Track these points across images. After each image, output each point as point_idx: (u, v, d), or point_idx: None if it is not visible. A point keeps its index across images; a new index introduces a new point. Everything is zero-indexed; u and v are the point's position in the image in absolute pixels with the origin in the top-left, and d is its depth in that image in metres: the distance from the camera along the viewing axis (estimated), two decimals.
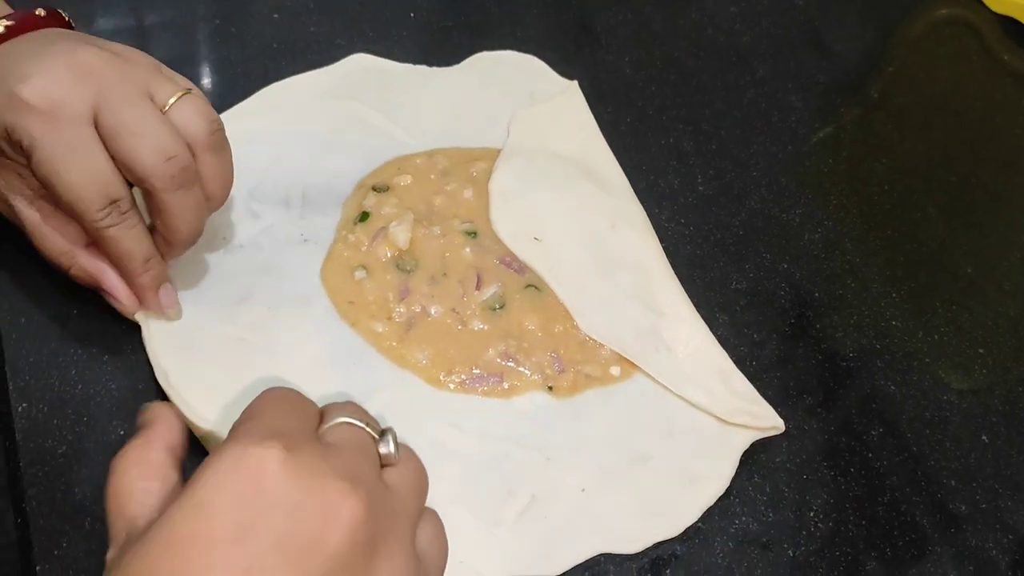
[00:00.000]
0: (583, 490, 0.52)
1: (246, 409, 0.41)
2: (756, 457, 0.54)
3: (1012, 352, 0.61)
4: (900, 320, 0.61)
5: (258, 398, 0.42)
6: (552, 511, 0.51)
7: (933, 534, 0.53)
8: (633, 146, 0.67)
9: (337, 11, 0.71)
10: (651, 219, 0.62)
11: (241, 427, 0.39)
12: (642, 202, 0.63)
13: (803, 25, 0.78)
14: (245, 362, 0.53)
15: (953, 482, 0.55)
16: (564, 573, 0.49)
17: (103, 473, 0.48)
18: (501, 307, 0.57)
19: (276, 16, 0.71)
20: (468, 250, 0.58)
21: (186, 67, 0.66)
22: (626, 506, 0.51)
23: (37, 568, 0.45)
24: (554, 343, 0.56)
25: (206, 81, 0.67)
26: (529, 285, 0.58)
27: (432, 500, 0.45)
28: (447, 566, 0.48)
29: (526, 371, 0.55)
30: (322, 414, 0.42)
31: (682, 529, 0.51)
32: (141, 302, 0.52)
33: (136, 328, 0.53)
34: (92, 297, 0.53)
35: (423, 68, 0.69)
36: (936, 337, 0.61)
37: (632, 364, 0.56)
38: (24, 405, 0.50)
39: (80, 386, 0.51)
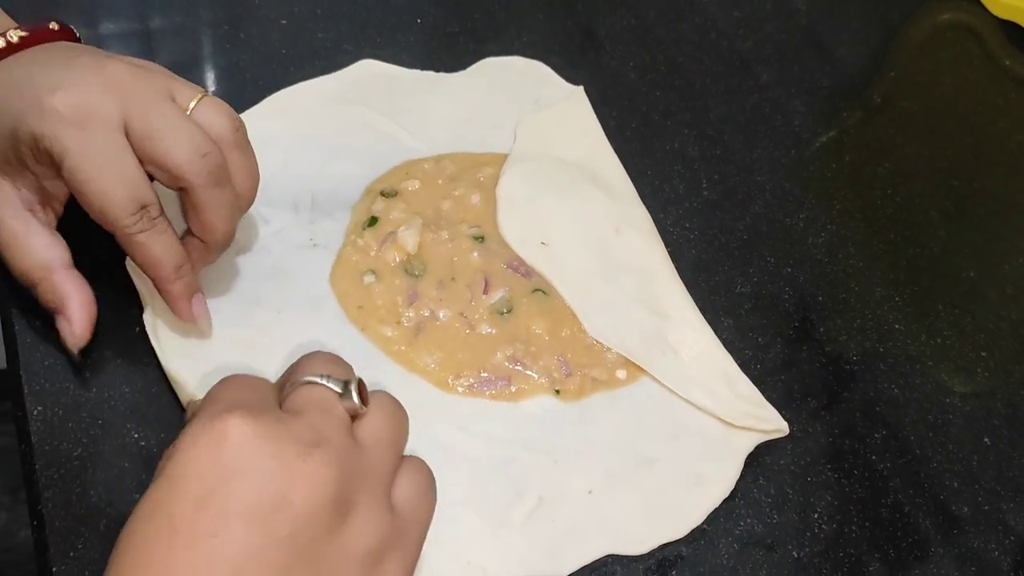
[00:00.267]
0: (590, 492, 0.52)
1: (206, 394, 0.42)
2: (760, 459, 0.55)
3: (1014, 355, 0.62)
4: (903, 324, 0.62)
5: (216, 384, 0.43)
6: (559, 513, 0.51)
7: (935, 536, 0.53)
8: (638, 151, 0.67)
9: (344, 17, 0.72)
10: (656, 223, 0.63)
11: (203, 406, 0.41)
12: (647, 207, 0.64)
13: (806, 30, 0.78)
14: (254, 366, 0.53)
15: (955, 484, 0.55)
16: (571, 574, 0.50)
17: (118, 476, 0.49)
18: (509, 311, 0.57)
19: (284, 22, 0.71)
20: (476, 254, 0.59)
21: (194, 72, 0.67)
22: (632, 508, 0.52)
23: (54, 569, 0.46)
24: (561, 347, 0.57)
25: (214, 87, 0.67)
26: (536, 289, 0.58)
27: (440, 503, 0.46)
28: (452, 567, 0.49)
29: (533, 375, 0.55)
30: (290, 371, 0.44)
31: (688, 531, 0.52)
32: (175, 311, 0.52)
33: (146, 333, 0.54)
34: (107, 300, 0.53)
35: (430, 74, 0.69)
36: (939, 341, 0.61)
37: (638, 367, 0.57)
38: (39, 408, 0.51)
39: (95, 390, 0.52)
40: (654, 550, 0.51)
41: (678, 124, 0.70)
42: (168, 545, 0.36)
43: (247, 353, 0.54)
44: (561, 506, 0.52)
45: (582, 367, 0.56)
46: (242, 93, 0.66)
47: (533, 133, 0.66)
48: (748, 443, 0.55)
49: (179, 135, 0.49)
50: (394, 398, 0.45)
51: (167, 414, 0.52)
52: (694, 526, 0.52)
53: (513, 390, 0.55)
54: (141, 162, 0.49)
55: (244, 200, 0.53)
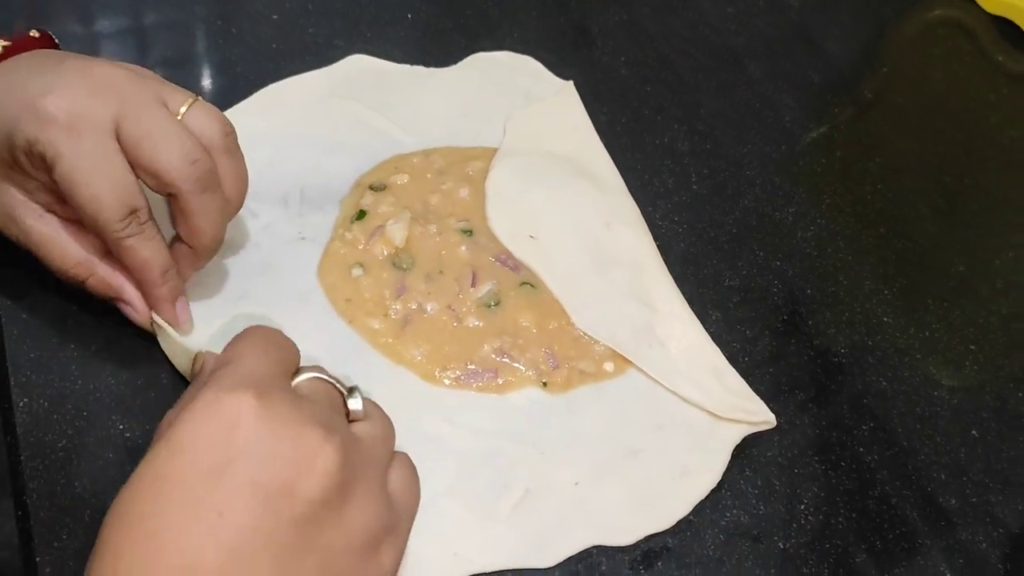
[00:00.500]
0: (576, 484, 0.52)
1: (227, 348, 0.43)
2: (748, 451, 0.55)
3: (1003, 349, 0.62)
4: (892, 317, 0.62)
5: (240, 338, 0.44)
6: (545, 505, 0.51)
7: (923, 528, 0.53)
8: (628, 145, 0.67)
9: (335, 13, 0.72)
10: (645, 217, 0.63)
11: (217, 371, 0.41)
12: (637, 201, 0.64)
13: (797, 25, 0.78)
14: None
15: (943, 477, 0.55)
16: (557, 565, 0.50)
17: (102, 467, 0.49)
18: (496, 304, 0.57)
19: (275, 17, 0.71)
20: (464, 248, 0.59)
21: (185, 68, 0.67)
22: (619, 500, 0.52)
23: (37, 560, 0.46)
24: (548, 339, 0.57)
25: (206, 82, 0.67)
26: (524, 282, 0.58)
27: (427, 494, 0.46)
28: (440, 558, 0.49)
29: (521, 367, 0.55)
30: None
31: (674, 522, 0.52)
32: (158, 312, 0.52)
33: (136, 324, 0.54)
34: (92, 294, 0.53)
35: (420, 69, 0.69)
36: (927, 334, 0.61)
37: (625, 360, 0.57)
38: (25, 400, 0.51)
39: (80, 382, 0.52)
40: (640, 541, 0.51)
41: (668, 119, 0.70)
42: (171, 518, 0.37)
43: None
44: (548, 497, 0.52)
45: (569, 360, 0.56)
46: (233, 88, 0.66)
47: (523, 128, 0.66)
48: (735, 435, 0.55)
49: (170, 141, 0.49)
50: (379, 406, 0.47)
51: (152, 406, 0.52)
52: (680, 517, 0.52)
53: (500, 382, 0.55)
54: (131, 167, 0.49)
55: (233, 205, 0.53)
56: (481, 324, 0.56)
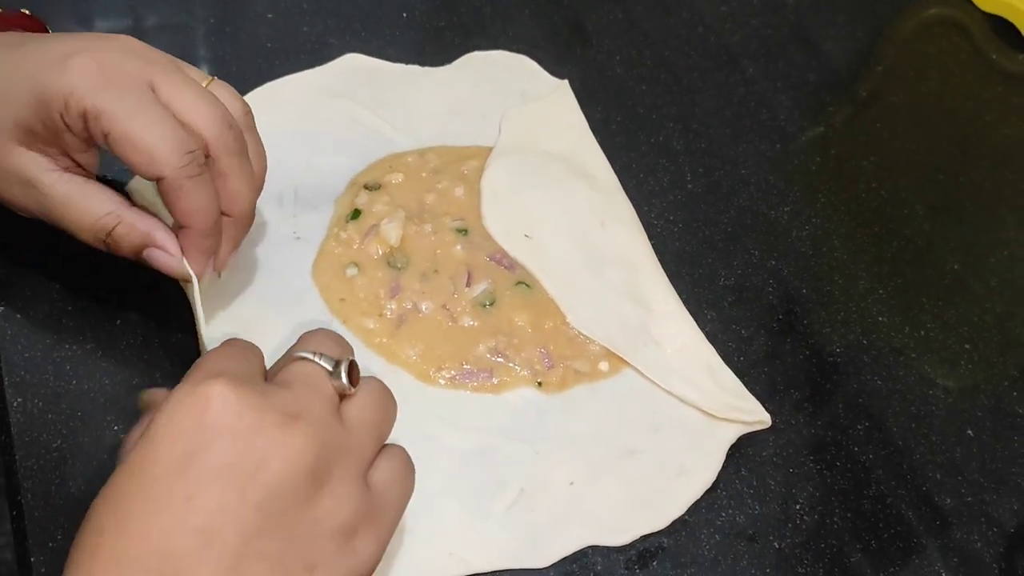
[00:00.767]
0: (571, 483, 0.52)
1: (196, 361, 0.43)
2: (743, 451, 0.55)
3: (997, 348, 0.62)
4: (887, 316, 0.62)
5: (207, 351, 0.44)
6: (540, 504, 0.51)
7: (918, 527, 0.53)
8: (623, 144, 0.67)
9: (330, 11, 0.72)
10: (640, 216, 0.63)
11: (190, 373, 0.41)
12: (632, 200, 0.64)
13: (793, 25, 0.78)
14: None
15: (938, 476, 0.55)
16: (552, 565, 0.50)
17: (97, 467, 0.49)
18: (491, 304, 0.57)
19: (270, 16, 0.71)
20: (459, 247, 0.59)
21: None
22: (614, 499, 0.52)
23: (32, 560, 0.46)
24: (544, 339, 0.57)
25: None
26: (519, 282, 0.58)
27: (422, 493, 0.46)
28: (435, 558, 0.49)
29: (516, 367, 0.55)
30: (291, 347, 0.44)
31: (669, 522, 0.52)
32: (193, 265, 0.51)
33: (131, 324, 0.54)
34: (88, 293, 0.53)
35: (415, 68, 0.69)
36: (922, 333, 0.61)
37: (620, 360, 0.57)
38: (19, 400, 0.51)
39: (75, 381, 0.52)
40: (635, 541, 0.51)
41: (663, 118, 0.70)
42: (142, 507, 0.38)
43: None
44: (543, 497, 0.52)
45: (565, 359, 0.56)
46: None
47: (518, 126, 0.66)
48: (730, 435, 0.55)
49: (205, 101, 0.49)
50: (385, 386, 0.45)
51: None
52: (675, 517, 0.52)
53: (495, 382, 0.55)
54: None
55: (258, 180, 0.53)
56: (476, 323, 0.56)
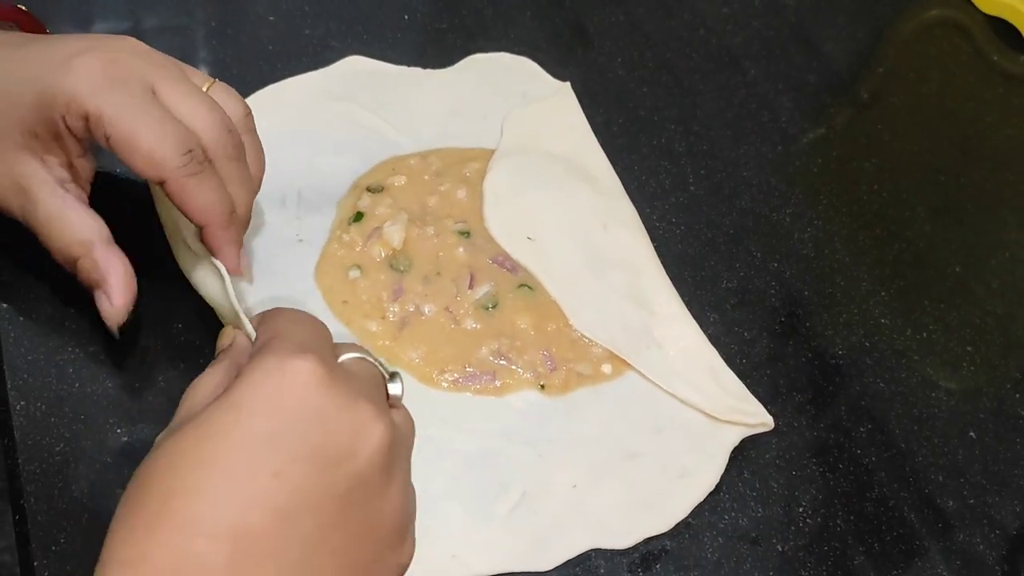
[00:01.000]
0: (574, 486, 0.52)
1: (267, 325, 0.42)
2: (746, 453, 0.55)
3: (1000, 350, 0.62)
4: (889, 318, 0.62)
5: (274, 316, 0.43)
6: (543, 507, 0.51)
7: (921, 529, 0.54)
8: (625, 146, 0.67)
9: (332, 14, 0.72)
10: (643, 218, 0.63)
11: (273, 341, 0.40)
12: (634, 202, 0.64)
13: (794, 26, 0.78)
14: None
15: (941, 478, 0.56)
16: (555, 568, 0.50)
17: (100, 471, 0.49)
18: (494, 306, 0.57)
19: (272, 19, 0.71)
20: (461, 250, 0.59)
21: None
22: (617, 502, 0.52)
23: (35, 563, 0.46)
24: (546, 341, 0.57)
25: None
26: (522, 284, 0.58)
27: (425, 496, 0.46)
28: (438, 560, 0.49)
29: (518, 369, 0.55)
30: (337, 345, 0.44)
31: (672, 524, 0.52)
32: (224, 260, 0.51)
33: (134, 327, 0.53)
34: (90, 297, 0.53)
35: (417, 70, 0.69)
36: (924, 335, 0.61)
37: (623, 362, 0.57)
38: (22, 403, 0.51)
39: (77, 385, 0.52)
40: (638, 544, 0.51)
41: (665, 120, 0.70)
42: (223, 472, 0.36)
43: None
44: (545, 500, 0.52)
45: (567, 362, 0.56)
46: None
47: (520, 128, 0.66)
48: (733, 437, 0.55)
49: (204, 106, 0.49)
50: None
51: (150, 410, 0.51)
52: (678, 520, 0.52)
53: (498, 385, 0.55)
54: None
55: (256, 182, 0.53)
56: (479, 326, 0.56)
